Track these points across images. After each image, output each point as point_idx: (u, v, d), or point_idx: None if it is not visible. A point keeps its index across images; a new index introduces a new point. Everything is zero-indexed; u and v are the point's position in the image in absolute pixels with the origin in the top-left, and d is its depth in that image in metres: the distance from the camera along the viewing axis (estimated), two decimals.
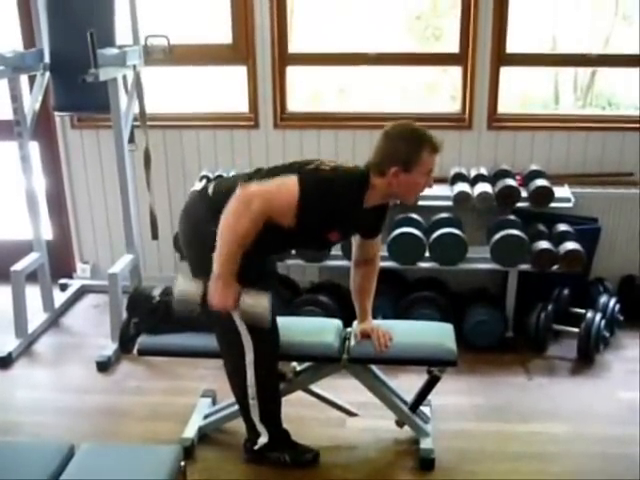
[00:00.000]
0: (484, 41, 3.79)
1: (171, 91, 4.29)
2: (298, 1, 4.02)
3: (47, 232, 4.16)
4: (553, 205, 3.71)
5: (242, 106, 4.07)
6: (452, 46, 3.92)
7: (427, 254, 3.59)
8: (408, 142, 2.35)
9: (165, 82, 4.20)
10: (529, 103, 4.58)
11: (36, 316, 3.85)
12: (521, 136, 3.96)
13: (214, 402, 3.05)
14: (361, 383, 2.74)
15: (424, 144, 2.35)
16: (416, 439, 2.80)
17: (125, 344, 2.96)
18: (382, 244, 3.51)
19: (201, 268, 2.45)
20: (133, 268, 3.83)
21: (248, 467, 2.72)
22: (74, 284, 4.31)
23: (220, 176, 3.77)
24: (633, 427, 2.91)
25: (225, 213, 2.30)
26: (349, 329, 2.80)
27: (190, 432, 2.83)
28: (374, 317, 2.76)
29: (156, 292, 2.76)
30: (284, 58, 3.95)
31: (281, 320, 2.70)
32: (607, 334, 3.60)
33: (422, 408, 2.85)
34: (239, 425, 2.73)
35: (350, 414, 2.98)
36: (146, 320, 2.75)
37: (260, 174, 2.48)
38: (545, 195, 3.67)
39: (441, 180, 3.81)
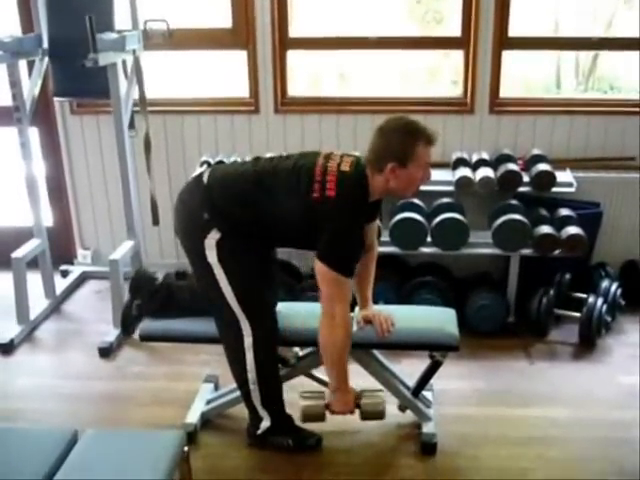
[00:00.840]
0: (486, 24, 3.76)
1: (171, 76, 4.26)
2: None
3: (47, 218, 4.15)
4: (555, 190, 3.71)
5: (242, 91, 4.05)
6: (453, 30, 3.89)
7: (429, 239, 3.58)
8: (402, 136, 2.33)
9: (165, 67, 4.18)
10: (531, 87, 4.56)
11: (38, 302, 3.85)
12: (523, 120, 3.94)
13: (216, 387, 3.06)
14: (363, 368, 2.75)
15: (418, 137, 2.33)
16: (418, 423, 2.81)
17: (127, 326, 2.97)
18: (384, 229, 3.53)
19: (196, 255, 2.47)
20: (134, 254, 3.83)
21: (251, 452, 2.73)
22: (75, 270, 4.31)
23: (221, 161, 3.76)
24: (634, 411, 2.92)
25: (320, 330, 2.43)
26: (351, 314, 2.79)
27: (193, 417, 2.83)
28: (376, 302, 2.76)
29: (159, 275, 2.79)
30: (284, 42, 3.92)
31: (283, 305, 2.71)
32: (608, 319, 3.61)
33: (424, 393, 2.86)
34: (242, 410, 2.74)
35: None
36: (148, 302, 2.76)
37: (259, 164, 2.48)
38: (547, 180, 3.66)
39: (443, 165, 3.80)
